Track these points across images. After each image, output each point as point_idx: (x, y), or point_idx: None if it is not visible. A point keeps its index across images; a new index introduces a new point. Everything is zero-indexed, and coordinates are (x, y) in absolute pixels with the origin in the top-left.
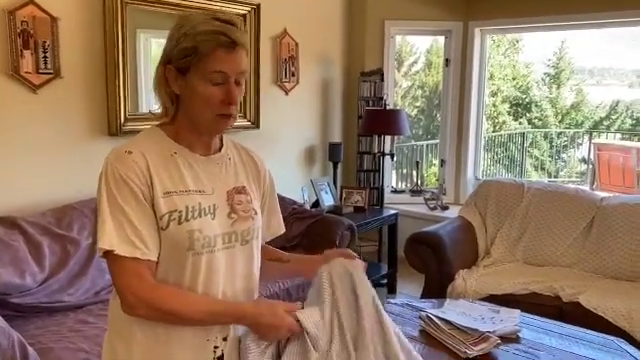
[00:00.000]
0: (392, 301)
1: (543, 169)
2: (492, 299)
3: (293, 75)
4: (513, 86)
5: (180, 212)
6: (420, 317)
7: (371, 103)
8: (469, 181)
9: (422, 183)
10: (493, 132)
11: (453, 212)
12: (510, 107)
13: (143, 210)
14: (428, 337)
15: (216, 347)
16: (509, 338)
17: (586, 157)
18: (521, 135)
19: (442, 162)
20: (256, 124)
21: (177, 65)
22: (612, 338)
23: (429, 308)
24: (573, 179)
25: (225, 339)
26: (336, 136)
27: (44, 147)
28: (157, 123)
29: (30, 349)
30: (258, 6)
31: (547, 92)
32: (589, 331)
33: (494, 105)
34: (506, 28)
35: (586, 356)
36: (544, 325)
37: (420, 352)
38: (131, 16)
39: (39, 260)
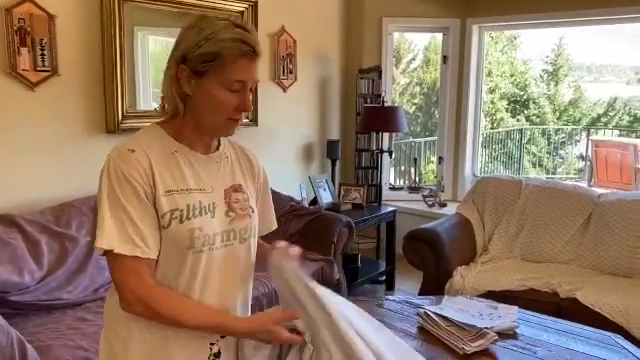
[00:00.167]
0: (390, 298)
1: (541, 166)
2: (490, 296)
3: (291, 72)
4: (511, 83)
5: (181, 211)
6: (418, 314)
7: (369, 100)
8: (467, 178)
9: (420, 180)
10: (491, 129)
11: (451, 209)
12: (508, 104)
13: (145, 208)
14: (426, 334)
15: (212, 344)
16: (507, 334)
17: (584, 154)
18: (519, 132)
19: (440, 159)
20: (254, 121)
21: (194, 67)
22: (609, 334)
23: (427, 305)
24: (571, 176)
25: (223, 336)
26: (334, 133)
27: (42, 145)
28: (157, 121)
29: (29, 347)
30: (256, 3)
31: (545, 89)
32: (586, 327)
33: (492, 102)
34: (504, 25)
35: (583, 352)
36: (542, 321)
37: (418, 349)
38: (128, 13)
39: (37, 258)
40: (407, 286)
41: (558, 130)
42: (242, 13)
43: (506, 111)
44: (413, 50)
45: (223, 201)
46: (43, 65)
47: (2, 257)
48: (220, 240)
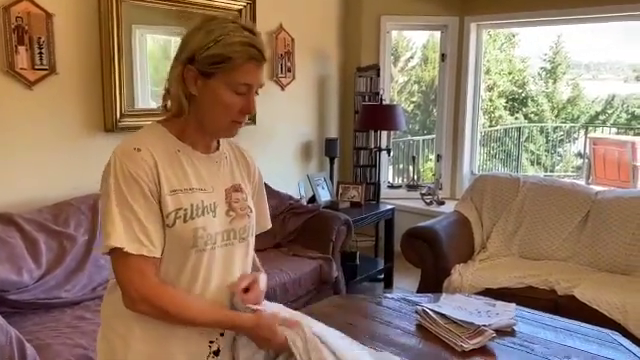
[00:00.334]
0: (388, 296)
1: (539, 163)
2: (488, 293)
3: (289, 71)
4: (509, 81)
5: (186, 210)
6: (416, 311)
7: (367, 98)
8: (465, 176)
9: (418, 178)
10: (489, 127)
11: (449, 207)
12: (506, 102)
13: (150, 207)
14: (424, 331)
15: (211, 341)
16: (505, 331)
17: (582, 151)
18: (517, 130)
19: (438, 157)
20: (252, 120)
21: (201, 68)
22: (606, 331)
23: (425, 302)
24: (569, 173)
25: (222, 334)
26: (332, 131)
27: (40, 143)
28: (158, 119)
29: (28, 345)
30: (254, 1)
31: (543, 87)
32: (584, 324)
33: (490, 100)
34: (502, 23)
35: (581, 349)
36: (539, 318)
37: (416, 346)
38: (126, 12)
39: (36, 257)
40: (405, 284)
41: (556, 128)
42: (240, 11)
43: (504, 109)
44: (411, 48)
45: (224, 201)
46: (41, 64)
47: (0, 256)
48: (221, 239)
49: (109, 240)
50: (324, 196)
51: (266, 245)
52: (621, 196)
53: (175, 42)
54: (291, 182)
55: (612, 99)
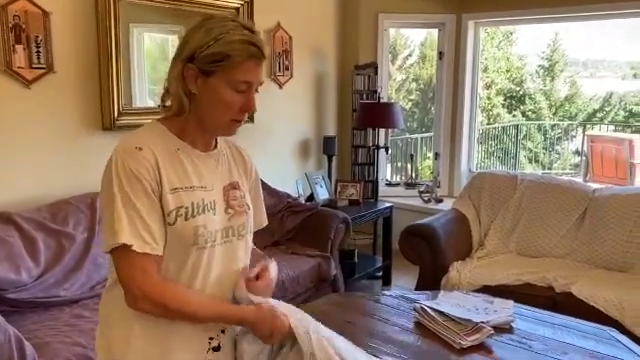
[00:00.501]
0: (387, 293)
1: (537, 161)
2: (486, 290)
3: (287, 69)
4: (507, 78)
5: (187, 208)
6: (415, 309)
7: (365, 96)
8: (463, 174)
9: (416, 176)
10: (487, 124)
11: (447, 205)
12: (504, 99)
13: (152, 205)
14: (422, 328)
15: (211, 338)
16: (503, 328)
17: (580, 149)
18: (515, 127)
19: (436, 155)
20: (251, 118)
21: (201, 67)
22: (604, 327)
23: (423, 300)
24: (567, 171)
25: (223, 331)
26: (330, 129)
27: (38, 142)
28: (157, 117)
29: (27, 344)
30: None
31: (541, 84)
32: (581, 321)
33: (488, 98)
34: (499, 20)
35: (578, 345)
36: (537, 315)
37: (414, 343)
38: (124, 10)
39: (34, 255)
40: (404, 281)
41: (554, 126)
42: (238, 9)
43: (502, 107)
44: (409, 46)
45: (222, 198)
46: (39, 62)
47: None
48: (220, 237)
49: (116, 237)
50: (322, 194)
51: (264, 243)
52: (618, 193)
53: (173, 41)
54: (289, 180)
55: (610, 97)
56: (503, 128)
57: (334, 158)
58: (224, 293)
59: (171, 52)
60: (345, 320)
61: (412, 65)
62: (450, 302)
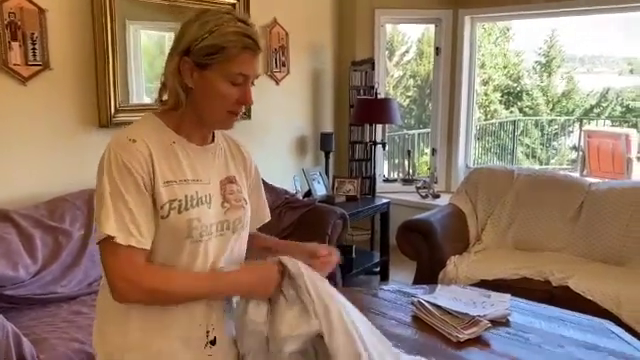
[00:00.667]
0: (384, 287)
1: (534, 157)
2: (483, 284)
3: (284, 65)
4: (504, 75)
5: (180, 201)
6: (412, 303)
7: (362, 92)
8: (460, 169)
9: (414, 172)
10: (485, 121)
11: (444, 200)
12: (501, 96)
13: (142, 199)
14: (420, 322)
15: (208, 332)
16: (500, 322)
17: (577, 145)
18: (512, 123)
19: (433, 151)
20: (248, 114)
21: (197, 60)
22: (600, 320)
23: (421, 294)
24: (564, 166)
25: (217, 324)
26: (327, 126)
27: (35, 140)
28: (154, 111)
29: (25, 340)
30: None
31: (538, 80)
32: (578, 314)
33: (486, 94)
34: (496, 16)
35: (575, 338)
36: (534, 309)
37: (412, 337)
38: (120, 7)
39: (32, 252)
40: (401, 277)
41: (551, 121)
42: (234, 5)
43: (499, 103)
44: (406, 42)
45: (219, 192)
46: (34, 59)
47: None
48: (215, 230)
49: (101, 228)
50: (320, 190)
51: None
52: (615, 187)
53: (169, 38)
54: (287, 177)
55: (607, 92)
56: (500, 124)
57: (331, 154)
58: None
59: (168, 49)
60: None
61: (409, 62)
62: (447, 296)
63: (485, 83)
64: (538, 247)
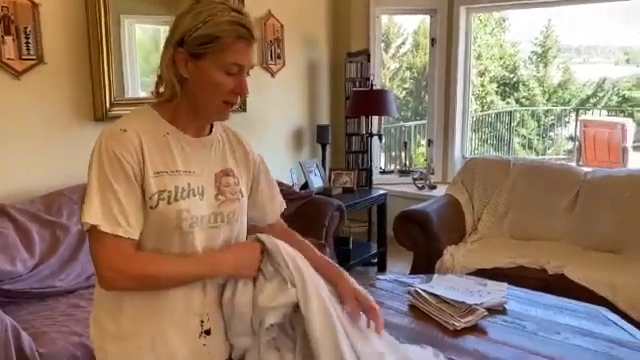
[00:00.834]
0: (381, 277)
1: (531, 148)
2: (480, 273)
3: (279, 57)
4: (500, 65)
5: (169, 192)
6: (409, 292)
7: (358, 84)
8: (457, 160)
9: (410, 163)
10: (481, 112)
11: (441, 191)
12: (498, 86)
13: (131, 189)
14: (417, 311)
15: (202, 321)
16: (496, 310)
17: (573, 135)
18: (509, 114)
19: (430, 142)
20: (243, 107)
21: (191, 50)
22: (596, 307)
23: (418, 283)
24: (560, 157)
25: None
26: (324, 118)
27: (30, 134)
28: (150, 102)
29: (23, 333)
30: None
31: (534, 71)
32: (574, 301)
33: (482, 85)
34: (492, 6)
35: (571, 325)
36: (530, 297)
37: (409, 326)
38: (114, 1)
39: (29, 247)
40: (399, 267)
41: (548, 112)
42: None
43: (496, 94)
44: (402, 34)
45: (213, 185)
46: (28, 54)
47: None
48: (207, 221)
49: (85, 216)
50: (316, 182)
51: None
52: (610, 175)
53: (164, 31)
54: (283, 169)
55: (603, 82)
56: (497, 115)
57: (328, 146)
58: (212, 278)
59: (163, 43)
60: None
61: (405, 54)
62: (444, 285)
63: (481, 74)
64: (534, 236)
